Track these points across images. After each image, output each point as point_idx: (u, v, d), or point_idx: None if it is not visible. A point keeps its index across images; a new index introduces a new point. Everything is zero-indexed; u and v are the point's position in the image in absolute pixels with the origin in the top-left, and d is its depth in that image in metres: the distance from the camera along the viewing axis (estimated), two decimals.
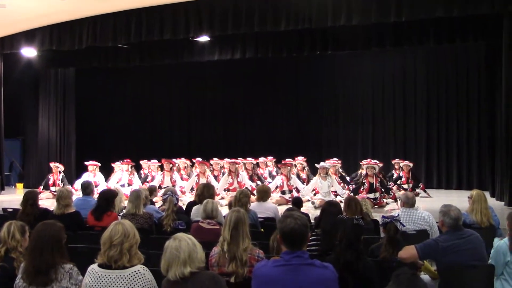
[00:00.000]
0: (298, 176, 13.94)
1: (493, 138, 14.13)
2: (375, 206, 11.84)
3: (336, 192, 12.93)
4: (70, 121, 18.72)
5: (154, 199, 8.96)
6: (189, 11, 13.43)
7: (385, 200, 12.48)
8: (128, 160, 14.68)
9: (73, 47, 15.01)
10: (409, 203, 6.81)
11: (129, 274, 3.77)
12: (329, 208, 5.59)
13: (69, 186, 14.60)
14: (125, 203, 7.99)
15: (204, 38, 15.09)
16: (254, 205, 7.70)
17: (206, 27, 13.53)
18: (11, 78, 17.56)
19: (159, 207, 7.98)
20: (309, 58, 17.12)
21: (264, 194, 8.04)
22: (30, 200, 6.93)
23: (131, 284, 3.74)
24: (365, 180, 12.50)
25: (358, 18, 12.10)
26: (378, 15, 11.97)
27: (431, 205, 10.87)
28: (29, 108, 18.69)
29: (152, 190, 9.42)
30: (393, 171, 14.81)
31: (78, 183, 14.44)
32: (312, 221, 7.04)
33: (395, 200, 12.38)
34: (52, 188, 14.73)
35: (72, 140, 18.40)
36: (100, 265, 3.85)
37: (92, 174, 14.64)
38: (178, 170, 14.75)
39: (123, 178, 14.45)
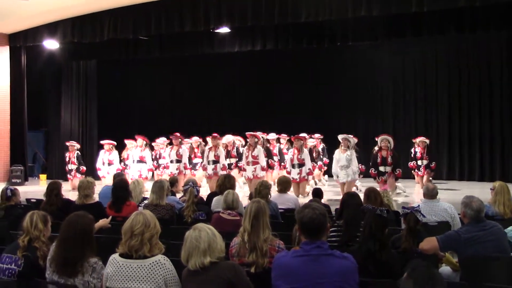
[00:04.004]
0: (311, 152, 13.81)
1: None
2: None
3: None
4: (92, 113, 18.86)
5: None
6: (209, 2, 13.47)
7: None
8: (143, 136, 14.63)
9: (95, 39, 15.15)
10: (429, 195, 6.75)
11: (150, 263, 3.80)
12: (349, 199, 5.57)
13: (83, 167, 15.16)
14: (146, 194, 8.05)
15: (224, 30, 15.09)
16: (274, 196, 7.70)
17: (226, 19, 13.55)
18: (34, 71, 17.76)
19: (180, 198, 8.01)
20: (329, 49, 17.00)
21: (285, 186, 8.03)
22: (54, 190, 7.00)
23: (152, 274, 3.77)
24: (378, 153, 12.55)
25: (378, 8, 12.01)
26: (398, 5, 11.88)
27: (453, 197, 10.77)
28: (52, 100, 18.88)
29: (174, 181, 9.47)
30: (413, 149, 14.80)
31: (99, 162, 14.87)
32: (332, 213, 7.02)
33: (397, 179, 12.60)
34: (69, 166, 15.12)
35: (94, 131, 18.54)
36: (121, 255, 3.87)
37: (108, 152, 14.76)
38: (192, 149, 14.96)
39: (134, 154, 14.47)
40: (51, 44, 16.59)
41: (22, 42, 16.73)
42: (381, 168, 12.47)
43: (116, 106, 19.60)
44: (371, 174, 12.77)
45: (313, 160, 13.67)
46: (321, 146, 15.06)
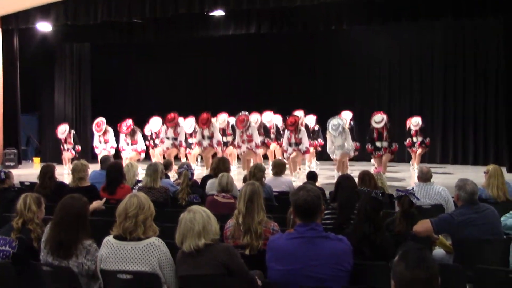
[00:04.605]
0: (307, 128, 13.79)
1: (511, 113, 13.97)
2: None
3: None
4: (86, 96, 18.80)
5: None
6: None
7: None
8: (130, 124, 14.50)
9: (88, 22, 15.04)
10: (423, 178, 6.77)
11: (144, 245, 3.79)
12: (344, 182, 5.57)
13: (78, 146, 15.14)
14: (140, 177, 8.04)
15: (219, 13, 15.00)
16: (269, 179, 7.71)
17: (221, 2, 13.47)
18: (26, 53, 17.62)
19: (174, 181, 8.01)
20: (325, 33, 16.93)
21: (280, 169, 8.04)
22: (48, 173, 6.98)
23: (146, 256, 3.77)
24: (374, 129, 12.74)
25: None
26: None
27: (447, 180, 10.81)
28: (45, 83, 18.77)
29: (168, 164, 9.47)
30: (407, 127, 14.91)
31: (95, 141, 14.86)
32: (327, 195, 7.03)
33: (393, 154, 12.79)
34: (65, 146, 15.08)
35: (88, 114, 18.46)
36: (115, 237, 3.87)
37: (103, 131, 14.70)
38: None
39: (127, 139, 14.42)
40: (44, 27, 16.45)
41: (15, 25, 16.55)
42: (378, 144, 12.66)
43: (110, 90, 19.48)
44: (367, 150, 12.93)
45: (309, 137, 13.62)
46: (316, 128, 15.02)
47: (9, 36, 17.05)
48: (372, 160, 14.02)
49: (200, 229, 3.69)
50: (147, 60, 19.86)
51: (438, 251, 5.13)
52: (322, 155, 16.10)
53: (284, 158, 12.85)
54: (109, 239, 3.90)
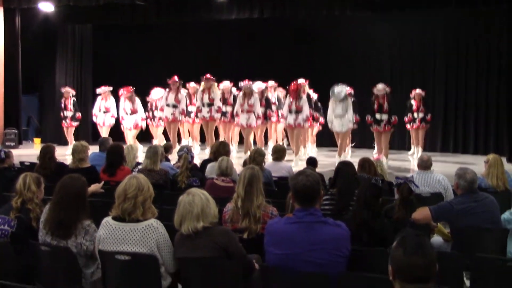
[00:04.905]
0: (309, 98, 13.68)
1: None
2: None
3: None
4: (87, 78, 18.74)
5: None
6: None
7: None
8: (129, 87, 14.47)
9: (91, 2, 14.97)
10: (423, 166, 6.77)
11: (143, 227, 3.80)
12: (344, 168, 5.56)
13: (79, 114, 15.22)
14: (140, 159, 8.05)
15: None
16: (269, 164, 7.72)
17: None
18: (28, 34, 17.55)
19: (173, 164, 8.01)
20: (328, 19, 16.85)
21: (280, 154, 8.03)
22: (48, 154, 6.99)
23: (145, 237, 3.78)
24: (375, 100, 12.56)
25: None
26: None
27: (447, 169, 10.81)
28: (46, 64, 18.69)
29: (168, 147, 9.47)
30: (408, 102, 14.81)
31: (95, 109, 14.84)
32: (326, 181, 7.03)
33: (393, 127, 12.60)
34: (65, 113, 15.00)
35: (89, 96, 18.41)
36: (114, 218, 3.88)
37: (104, 99, 14.65)
38: (189, 95, 14.68)
39: (126, 108, 14.31)
40: (46, 7, 16.34)
41: (17, 4, 16.45)
42: (377, 116, 12.40)
43: (112, 71, 19.41)
44: (367, 121, 12.75)
45: (311, 107, 13.50)
46: (319, 105, 14.89)
47: (11, 16, 16.95)
48: (375, 150, 13.88)
49: (198, 211, 3.70)
50: (149, 42, 19.77)
51: (436, 239, 5.14)
52: (322, 142, 16.12)
53: (284, 129, 12.74)
54: (107, 220, 3.90)
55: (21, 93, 17.53)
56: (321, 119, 14.58)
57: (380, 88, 12.58)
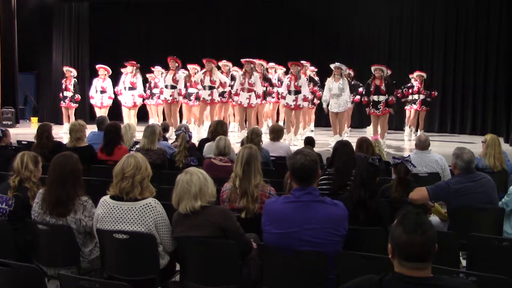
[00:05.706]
0: (312, 80, 13.56)
1: (510, 84, 13.91)
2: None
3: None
4: (84, 56, 18.62)
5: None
6: None
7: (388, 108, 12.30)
8: (133, 62, 14.36)
9: None
10: (421, 146, 6.77)
11: (141, 206, 3.80)
12: (341, 147, 5.55)
13: (78, 96, 14.99)
14: (137, 138, 8.03)
15: None
16: (266, 143, 7.70)
17: None
18: (24, 11, 17.41)
19: (171, 143, 8.00)
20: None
21: (278, 134, 8.01)
22: (45, 133, 6.98)
23: (142, 216, 3.78)
24: (372, 82, 12.29)
25: None
26: None
27: (444, 149, 10.82)
28: (43, 42, 18.58)
29: (166, 127, 9.45)
30: (409, 83, 14.74)
31: (92, 90, 14.68)
32: (324, 161, 7.03)
33: (391, 106, 12.22)
34: (64, 93, 14.85)
35: (86, 74, 18.33)
36: (112, 197, 3.88)
37: (102, 79, 14.47)
38: (188, 76, 14.53)
39: (126, 81, 14.16)
40: None
41: None
42: (375, 97, 12.09)
43: (109, 50, 19.33)
44: (363, 102, 12.54)
45: (315, 85, 13.49)
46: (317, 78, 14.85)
47: None
48: (371, 128, 13.85)
49: (196, 191, 3.70)
50: (146, 19, 19.67)
51: (433, 219, 5.16)
52: (320, 121, 16.13)
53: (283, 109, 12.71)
54: (105, 199, 3.91)
55: (18, 72, 17.43)
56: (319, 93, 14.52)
57: (377, 72, 12.36)
